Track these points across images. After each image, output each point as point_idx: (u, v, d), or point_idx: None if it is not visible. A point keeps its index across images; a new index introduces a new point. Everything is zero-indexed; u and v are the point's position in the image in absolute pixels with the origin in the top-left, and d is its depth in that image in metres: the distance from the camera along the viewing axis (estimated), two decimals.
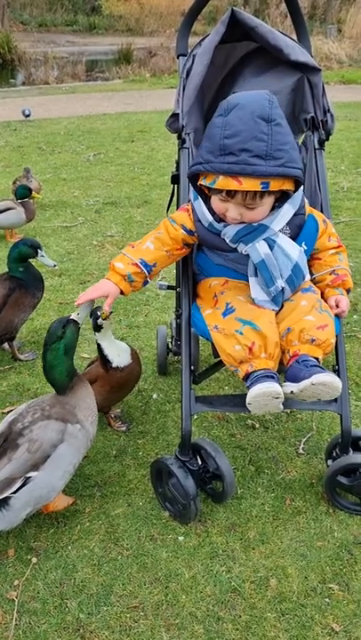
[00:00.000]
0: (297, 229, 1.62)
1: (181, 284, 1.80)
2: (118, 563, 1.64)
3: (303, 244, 1.62)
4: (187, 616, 1.49)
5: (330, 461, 1.83)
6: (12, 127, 7.52)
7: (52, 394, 1.73)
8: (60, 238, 3.99)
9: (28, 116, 7.64)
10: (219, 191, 1.49)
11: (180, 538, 1.71)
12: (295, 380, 1.47)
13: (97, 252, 3.75)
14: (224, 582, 1.58)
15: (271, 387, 1.44)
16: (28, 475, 1.56)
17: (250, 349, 1.50)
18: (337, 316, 1.66)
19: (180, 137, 1.88)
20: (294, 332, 1.53)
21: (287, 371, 1.53)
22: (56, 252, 3.74)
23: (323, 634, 1.45)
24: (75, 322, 1.69)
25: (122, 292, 1.67)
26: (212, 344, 1.64)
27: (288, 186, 1.47)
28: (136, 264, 1.66)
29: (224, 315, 1.58)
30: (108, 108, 8.79)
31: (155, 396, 2.36)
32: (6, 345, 2.61)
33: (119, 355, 1.94)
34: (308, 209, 1.66)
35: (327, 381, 1.43)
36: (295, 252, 1.57)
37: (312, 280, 1.72)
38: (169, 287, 2.14)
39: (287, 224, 1.58)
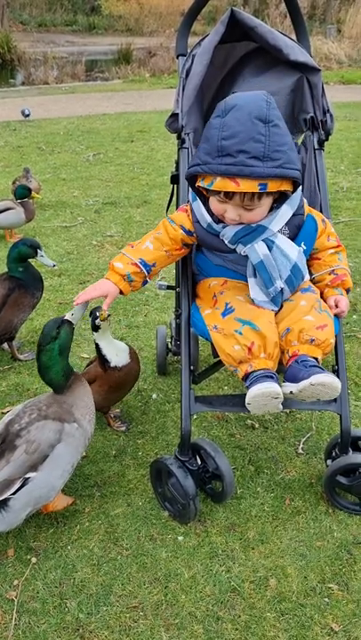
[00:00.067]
0: (296, 230, 1.62)
1: (181, 284, 1.80)
2: (118, 563, 1.64)
3: (302, 244, 1.62)
4: (186, 616, 1.49)
5: (329, 461, 1.83)
6: (12, 127, 7.52)
7: (49, 393, 1.73)
8: (60, 238, 3.99)
9: (28, 115, 7.64)
10: (217, 192, 1.49)
11: (180, 538, 1.71)
12: (294, 380, 1.47)
13: (96, 252, 3.75)
14: (223, 582, 1.58)
15: (270, 387, 1.44)
16: (26, 475, 1.56)
17: (249, 349, 1.50)
18: (336, 315, 1.66)
19: (179, 137, 1.88)
20: (294, 332, 1.53)
21: (286, 371, 1.53)
22: (55, 252, 3.74)
23: (322, 634, 1.45)
24: (69, 322, 1.68)
25: (121, 292, 1.67)
26: (212, 344, 1.64)
27: (286, 187, 1.47)
28: (135, 264, 1.66)
29: (223, 315, 1.58)
30: (108, 108, 8.80)
31: (154, 395, 2.36)
32: (6, 345, 2.61)
33: (117, 354, 1.94)
34: (307, 209, 1.66)
35: (326, 382, 1.43)
36: (294, 252, 1.57)
37: (311, 280, 1.72)
38: (168, 287, 2.15)
39: (286, 224, 1.58)
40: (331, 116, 1.86)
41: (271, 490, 1.88)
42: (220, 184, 1.44)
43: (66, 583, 1.58)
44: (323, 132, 1.88)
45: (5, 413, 2.12)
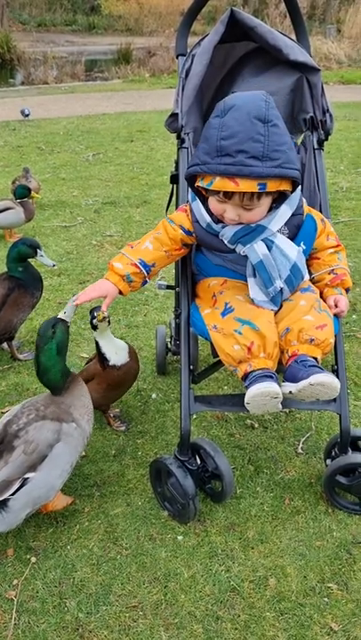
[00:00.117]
0: (295, 229, 1.62)
1: (180, 284, 1.80)
2: (117, 562, 1.64)
3: (302, 244, 1.62)
4: (186, 615, 1.49)
5: (329, 461, 1.83)
6: (12, 127, 7.51)
7: (47, 393, 1.73)
8: (60, 238, 3.99)
9: (28, 115, 7.64)
10: (216, 192, 1.49)
11: (179, 537, 1.71)
12: (294, 380, 1.47)
13: (96, 252, 3.75)
14: (223, 582, 1.58)
15: (270, 386, 1.44)
16: (25, 476, 1.56)
17: (249, 349, 1.50)
18: (336, 315, 1.66)
19: (179, 137, 1.88)
20: (293, 331, 1.53)
21: (286, 371, 1.53)
22: (55, 252, 3.74)
23: (321, 633, 1.45)
24: (63, 320, 1.68)
25: (120, 293, 1.67)
26: (211, 344, 1.64)
27: (285, 186, 1.47)
28: (135, 264, 1.66)
29: (223, 314, 1.58)
30: (108, 108, 8.79)
31: (154, 395, 2.36)
32: (5, 345, 2.61)
33: (117, 353, 1.94)
34: (306, 209, 1.66)
35: (326, 382, 1.43)
36: (293, 252, 1.57)
37: (311, 279, 1.72)
38: (168, 287, 2.15)
39: (285, 224, 1.58)
40: (330, 115, 1.86)
41: (271, 489, 1.88)
42: (220, 184, 1.44)
43: (65, 583, 1.58)
44: (322, 132, 1.88)
45: (5, 413, 2.12)
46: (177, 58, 2.00)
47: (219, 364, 1.81)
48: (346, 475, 1.75)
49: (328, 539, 1.70)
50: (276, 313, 1.59)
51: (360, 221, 4.21)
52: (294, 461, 2.00)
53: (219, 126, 1.42)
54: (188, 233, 1.67)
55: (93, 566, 1.63)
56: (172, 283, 2.17)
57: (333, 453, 1.82)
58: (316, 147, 1.88)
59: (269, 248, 1.54)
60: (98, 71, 13.52)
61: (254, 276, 1.58)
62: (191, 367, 1.73)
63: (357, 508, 1.78)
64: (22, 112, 7.63)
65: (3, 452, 1.58)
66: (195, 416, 2.20)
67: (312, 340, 1.52)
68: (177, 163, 1.93)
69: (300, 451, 2.05)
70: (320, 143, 1.89)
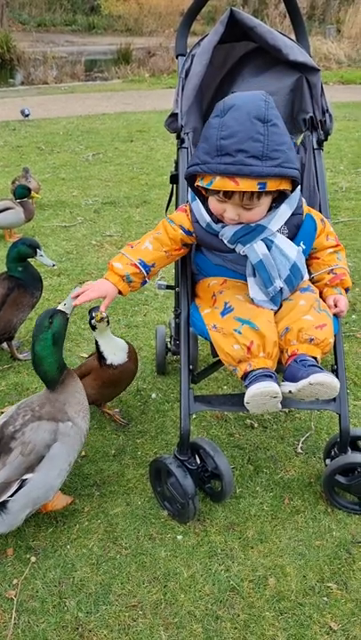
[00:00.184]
0: (295, 229, 1.62)
1: (180, 284, 1.80)
2: (117, 562, 1.64)
3: (301, 244, 1.63)
4: (185, 615, 1.50)
5: (328, 461, 1.83)
6: (11, 127, 7.51)
7: (41, 393, 1.71)
8: (59, 238, 3.99)
9: (28, 115, 7.64)
10: (216, 192, 1.49)
11: (179, 537, 1.71)
12: (293, 379, 1.47)
13: (96, 252, 3.75)
14: (223, 581, 1.58)
15: (269, 386, 1.45)
16: (23, 477, 1.56)
17: (248, 349, 1.50)
18: (335, 315, 1.66)
19: (178, 137, 1.88)
20: (293, 331, 1.53)
21: (286, 370, 1.53)
22: (55, 252, 3.74)
23: (321, 632, 1.45)
24: (62, 312, 1.67)
25: (120, 293, 1.67)
26: (211, 343, 1.64)
27: (285, 186, 1.47)
28: (135, 264, 1.66)
29: (223, 314, 1.58)
30: (107, 108, 8.80)
31: (153, 395, 2.36)
32: (5, 344, 2.61)
33: (115, 353, 1.94)
34: (306, 208, 1.66)
35: (325, 381, 1.43)
36: (293, 252, 1.57)
37: (311, 279, 1.72)
38: (168, 287, 2.15)
39: (285, 224, 1.58)
40: (330, 115, 1.86)
41: (270, 489, 1.88)
42: (220, 183, 1.44)
43: (65, 582, 1.58)
44: (322, 132, 1.88)
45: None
46: (177, 58, 2.00)
47: (218, 363, 1.81)
48: (345, 474, 1.75)
49: (328, 538, 1.70)
50: (275, 312, 1.60)
51: (360, 221, 4.22)
52: (294, 461, 2.01)
53: (219, 126, 1.42)
54: (187, 233, 1.67)
55: (93, 566, 1.63)
56: (172, 283, 2.17)
57: (333, 453, 1.82)
58: (315, 147, 1.88)
59: (269, 248, 1.54)
60: (98, 71, 13.52)
61: (254, 275, 1.58)
62: (191, 367, 1.73)
63: (357, 508, 1.78)
64: (22, 112, 7.63)
65: (0, 454, 1.58)
66: (194, 416, 2.20)
67: (312, 339, 1.52)
68: (177, 163, 1.94)
69: (299, 450, 2.05)
70: (320, 143, 1.89)
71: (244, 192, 1.44)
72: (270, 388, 1.45)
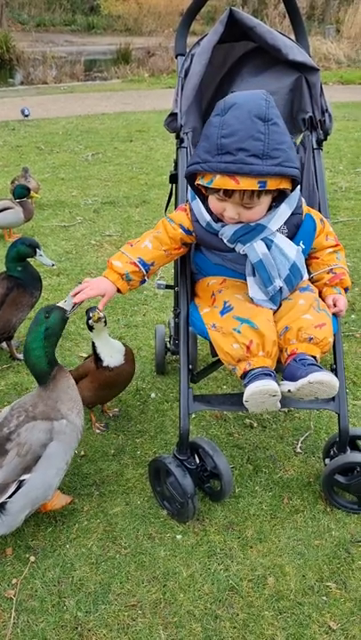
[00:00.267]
0: (294, 229, 1.63)
1: (180, 284, 1.80)
2: (116, 561, 1.64)
3: (301, 244, 1.63)
4: (184, 614, 1.50)
5: (327, 460, 1.83)
6: (11, 127, 7.51)
7: (33, 392, 1.71)
8: (59, 238, 3.99)
9: (27, 115, 7.64)
10: (216, 190, 1.49)
11: (178, 536, 1.71)
12: (293, 378, 1.47)
13: (95, 252, 3.75)
14: (222, 581, 1.58)
15: (268, 384, 1.45)
16: (21, 478, 1.56)
17: (248, 348, 1.51)
18: (335, 314, 1.66)
19: (178, 136, 1.88)
20: (292, 330, 1.53)
21: (285, 369, 1.53)
22: (54, 252, 3.74)
23: (320, 632, 1.45)
24: (60, 308, 1.66)
25: (119, 291, 1.68)
26: (210, 343, 1.64)
27: (285, 185, 1.47)
28: (134, 263, 1.66)
29: (222, 313, 1.59)
30: (107, 108, 8.80)
31: (153, 395, 2.36)
32: (4, 344, 2.61)
33: (112, 355, 1.93)
34: (305, 208, 1.66)
35: (324, 380, 1.43)
36: (293, 251, 1.57)
37: (310, 279, 1.72)
38: (167, 286, 2.15)
39: (285, 224, 1.58)
40: (329, 115, 1.86)
41: (269, 489, 1.88)
42: (220, 182, 1.44)
43: (64, 582, 1.58)
44: (321, 132, 1.88)
45: None
46: (176, 58, 2.00)
47: (218, 363, 1.81)
48: (344, 474, 1.75)
49: (327, 538, 1.71)
50: (275, 312, 1.60)
51: (359, 221, 4.22)
52: (293, 460, 2.01)
53: (219, 125, 1.42)
54: (187, 232, 1.67)
55: (92, 565, 1.63)
56: (172, 282, 2.17)
57: (332, 452, 1.82)
58: (315, 146, 1.88)
59: (269, 247, 1.54)
60: (97, 71, 13.52)
61: (254, 275, 1.58)
62: (190, 366, 1.73)
63: (356, 507, 1.78)
64: (22, 112, 7.63)
65: None
66: (194, 415, 2.20)
67: (311, 338, 1.52)
68: (176, 162, 1.94)
69: (298, 450, 2.05)
70: (319, 143, 1.89)
71: (244, 191, 1.44)
72: (269, 387, 1.45)
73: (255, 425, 2.19)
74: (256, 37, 1.89)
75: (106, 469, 1.97)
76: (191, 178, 1.56)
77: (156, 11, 19.89)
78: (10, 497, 1.54)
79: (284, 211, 1.55)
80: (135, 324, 2.88)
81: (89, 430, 2.15)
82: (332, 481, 1.76)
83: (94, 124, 7.64)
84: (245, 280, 1.61)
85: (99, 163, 5.86)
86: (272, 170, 1.40)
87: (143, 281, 1.70)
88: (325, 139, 1.90)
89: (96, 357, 1.94)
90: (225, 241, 1.59)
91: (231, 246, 1.59)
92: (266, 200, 1.50)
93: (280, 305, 1.60)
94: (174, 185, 1.97)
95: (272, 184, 1.43)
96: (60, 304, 1.67)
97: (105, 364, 1.93)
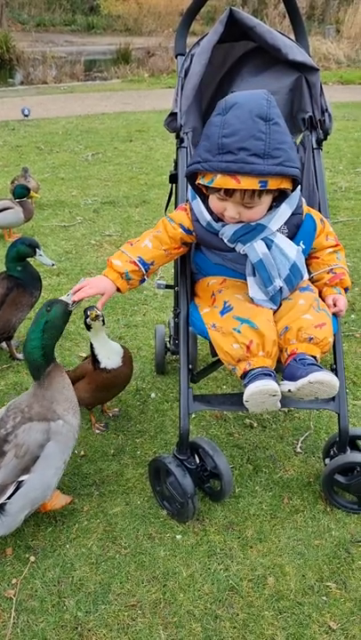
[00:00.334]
0: (295, 229, 1.63)
1: (179, 283, 1.80)
2: (116, 561, 1.64)
3: (301, 244, 1.63)
4: (184, 614, 1.50)
5: (327, 460, 1.83)
6: (11, 127, 7.51)
7: (28, 391, 1.70)
8: (59, 238, 3.99)
9: (27, 115, 7.63)
10: (217, 190, 1.49)
11: (178, 536, 1.71)
12: (293, 378, 1.47)
13: (95, 252, 3.75)
14: (222, 581, 1.58)
15: (268, 384, 1.45)
16: (19, 479, 1.56)
17: (248, 348, 1.50)
18: (335, 314, 1.66)
19: (178, 136, 1.88)
20: (292, 330, 1.53)
21: (285, 369, 1.53)
22: (54, 252, 3.74)
23: (320, 632, 1.45)
24: (63, 302, 1.65)
25: (118, 290, 1.67)
26: (210, 343, 1.64)
27: (286, 185, 1.47)
28: (134, 262, 1.66)
29: (222, 313, 1.58)
30: (107, 108, 8.80)
31: (153, 395, 2.36)
32: (4, 344, 2.61)
33: (109, 357, 1.92)
34: (305, 208, 1.66)
35: (325, 380, 1.43)
36: (293, 251, 1.57)
37: (310, 279, 1.72)
38: (167, 286, 2.15)
39: (285, 224, 1.58)
40: (329, 115, 1.86)
41: (269, 489, 1.88)
42: (221, 181, 1.44)
43: (64, 582, 1.58)
44: (321, 132, 1.88)
45: None
46: (176, 57, 2.00)
47: (218, 363, 1.81)
48: (344, 474, 1.75)
49: (327, 538, 1.70)
50: (275, 312, 1.60)
51: (359, 221, 4.22)
52: (293, 460, 2.01)
53: (220, 124, 1.42)
54: (187, 232, 1.67)
55: (92, 565, 1.63)
56: (172, 282, 2.17)
57: (332, 452, 1.82)
58: (314, 146, 1.88)
59: (269, 247, 1.54)
60: (97, 71, 13.52)
61: (254, 275, 1.58)
62: (190, 366, 1.73)
63: (356, 507, 1.78)
64: (22, 111, 7.63)
65: None
66: (194, 415, 2.20)
67: (311, 338, 1.52)
68: (176, 162, 1.93)
69: (298, 450, 2.05)
70: (319, 143, 1.89)
71: (245, 190, 1.44)
72: (269, 387, 1.45)
73: (255, 425, 2.19)
74: (256, 37, 1.89)
75: (106, 469, 1.97)
76: (192, 177, 1.56)
77: (155, 11, 19.88)
78: (9, 498, 1.54)
79: (285, 211, 1.55)
80: (135, 323, 2.88)
81: (89, 430, 2.15)
82: (332, 481, 1.76)
83: (94, 124, 7.64)
84: (245, 280, 1.61)
85: (99, 163, 5.86)
86: (273, 169, 1.40)
87: (143, 280, 1.70)
88: (325, 138, 1.90)
89: (93, 358, 1.94)
90: (225, 241, 1.59)
91: (231, 246, 1.59)
92: (267, 200, 1.50)
93: (280, 305, 1.60)
94: (174, 185, 1.97)
95: (273, 184, 1.43)
96: (63, 298, 1.66)
97: (102, 365, 1.92)
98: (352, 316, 2.93)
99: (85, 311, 1.84)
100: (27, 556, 1.65)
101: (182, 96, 1.85)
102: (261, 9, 16.15)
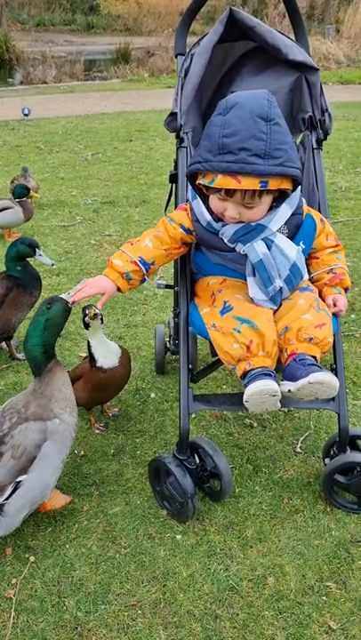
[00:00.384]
0: (295, 229, 1.63)
1: (179, 283, 1.80)
2: (116, 561, 1.64)
3: (301, 244, 1.63)
4: (184, 614, 1.50)
5: (327, 460, 1.83)
6: (10, 126, 7.51)
7: (26, 390, 1.70)
8: (58, 237, 3.99)
9: (27, 115, 7.63)
10: (217, 190, 1.49)
11: (178, 536, 1.71)
12: (293, 378, 1.47)
13: (95, 252, 3.75)
14: (222, 581, 1.58)
15: (268, 384, 1.45)
16: (17, 480, 1.55)
17: (248, 347, 1.50)
18: (335, 314, 1.66)
19: (178, 136, 1.88)
20: (292, 330, 1.53)
21: (285, 369, 1.53)
22: (54, 252, 3.74)
23: (320, 632, 1.45)
24: (63, 300, 1.65)
25: (119, 290, 1.67)
26: (210, 343, 1.64)
27: (286, 185, 1.47)
28: (135, 262, 1.66)
29: (222, 313, 1.58)
30: (107, 108, 8.79)
31: (153, 395, 2.36)
32: (4, 344, 2.61)
33: (106, 357, 1.92)
34: (305, 208, 1.66)
35: (325, 380, 1.43)
36: (293, 251, 1.57)
37: (310, 279, 1.72)
38: (167, 286, 2.15)
39: (285, 224, 1.58)
40: (329, 115, 1.86)
41: (269, 488, 1.88)
42: (222, 181, 1.44)
43: (64, 582, 1.58)
44: (321, 132, 1.88)
45: None
46: (176, 57, 2.00)
47: (218, 362, 1.81)
48: (344, 474, 1.75)
49: (327, 537, 1.70)
50: (275, 312, 1.60)
51: (358, 221, 4.22)
52: (293, 460, 2.01)
53: (221, 124, 1.42)
54: (188, 231, 1.67)
55: (92, 565, 1.63)
56: (171, 282, 2.17)
57: (332, 452, 1.82)
58: (314, 146, 1.88)
59: (269, 247, 1.54)
60: (97, 71, 13.51)
61: (254, 275, 1.58)
62: (190, 366, 1.73)
63: (356, 507, 1.78)
64: (22, 111, 7.62)
65: None
66: (194, 415, 2.20)
67: (311, 338, 1.52)
68: (176, 162, 1.93)
69: (298, 450, 2.05)
70: (319, 143, 1.89)
71: (245, 190, 1.44)
72: (269, 387, 1.45)
73: (255, 425, 2.19)
74: (256, 37, 1.89)
75: (106, 469, 1.97)
76: (192, 177, 1.56)
77: (155, 10, 19.87)
78: (7, 499, 1.54)
79: (285, 211, 1.55)
80: (135, 323, 2.88)
81: (89, 430, 2.15)
82: (332, 481, 1.76)
83: (94, 124, 7.64)
84: (245, 280, 1.61)
85: (98, 162, 5.86)
86: (274, 170, 1.40)
87: (143, 280, 1.70)
88: (325, 138, 1.90)
89: (90, 357, 1.94)
90: (225, 241, 1.59)
91: (231, 246, 1.59)
92: (267, 200, 1.50)
93: (280, 305, 1.60)
94: (174, 184, 1.96)
95: (273, 184, 1.43)
96: (63, 296, 1.66)
97: (98, 364, 1.92)
98: (352, 315, 2.93)
99: (84, 310, 1.84)
100: (26, 556, 1.65)
101: (182, 96, 1.85)
102: (261, 9, 16.15)
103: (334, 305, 1.66)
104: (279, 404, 1.51)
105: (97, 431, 2.14)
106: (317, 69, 1.87)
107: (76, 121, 7.84)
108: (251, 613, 1.50)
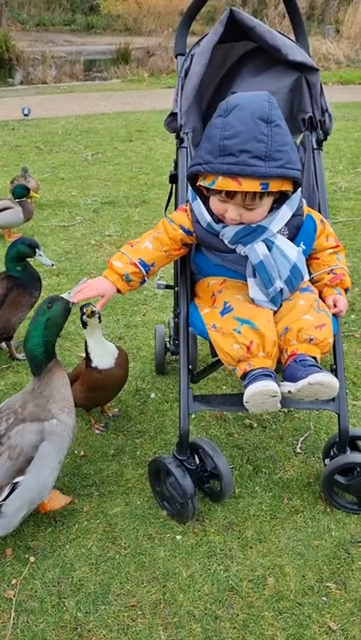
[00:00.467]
0: (295, 230, 1.63)
1: (180, 284, 1.80)
2: (116, 562, 1.64)
3: (301, 244, 1.63)
4: (184, 615, 1.50)
5: (327, 460, 1.83)
6: (10, 126, 7.50)
7: (24, 390, 1.70)
8: (58, 238, 3.99)
9: (27, 115, 7.63)
10: (218, 192, 1.49)
11: (178, 537, 1.71)
12: (293, 379, 1.47)
13: (95, 252, 3.75)
14: (222, 581, 1.58)
15: (268, 385, 1.45)
16: (15, 480, 1.55)
17: (248, 348, 1.50)
18: (335, 315, 1.66)
19: (178, 136, 1.88)
20: (292, 331, 1.53)
21: (285, 370, 1.53)
22: (54, 252, 3.74)
23: (320, 632, 1.45)
24: (64, 299, 1.65)
25: (118, 291, 1.67)
26: (210, 343, 1.64)
27: (287, 187, 1.47)
28: (134, 263, 1.66)
29: (222, 314, 1.58)
30: (107, 108, 8.79)
31: (153, 395, 2.36)
32: (4, 344, 2.61)
33: (102, 357, 1.91)
34: (306, 209, 1.66)
35: (325, 381, 1.43)
36: (293, 252, 1.57)
37: (310, 280, 1.72)
38: (167, 286, 2.14)
39: (285, 225, 1.58)
40: (329, 115, 1.86)
41: (269, 489, 1.88)
42: (222, 183, 1.44)
43: (64, 582, 1.58)
44: (321, 132, 1.88)
45: None
46: (176, 57, 2.00)
47: (218, 363, 1.81)
48: (344, 474, 1.75)
49: (327, 538, 1.71)
50: (275, 312, 1.60)
51: (358, 221, 4.22)
52: (293, 461, 2.01)
53: (222, 126, 1.42)
54: (188, 233, 1.67)
55: (92, 566, 1.63)
56: (172, 282, 2.16)
57: (332, 453, 1.82)
58: (314, 146, 1.88)
59: (270, 249, 1.54)
60: (97, 71, 13.51)
61: (254, 276, 1.58)
62: (190, 367, 1.73)
63: (356, 508, 1.78)
64: (22, 111, 7.62)
65: None
66: (193, 416, 2.20)
67: (311, 339, 1.52)
68: (176, 162, 1.93)
69: (298, 450, 2.05)
70: (319, 143, 1.89)
71: (246, 192, 1.44)
72: (269, 387, 1.45)
73: (255, 425, 2.19)
74: (256, 37, 1.89)
75: (105, 470, 1.97)
76: (193, 179, 1.56)
77: (155, 11, 19.86)
78: (4, 500, 1.54)
79: (286, 212, 1.55)
80: (135, 323, 2.88)
81: (88, 430, 2.15)
82: (332, 481, 1.76)
83: (94, 124, 7.64)
84: (246, 281, 1.61)
85: (98, 162, 5.86)
86: (275, 172, 1.40)
87: (143, 281, 1.70)
88: (325, 139, 1.90)
89: (87, 357, 1.93)
90: (226, 242, 1.59)
91: (232, 247, 1.59)
92: (268, 201, 1.50)
93: (280, 305, 1.60)
94: (174, 185, 1.96)
95: (274, 186, 1.44)
96: (64, 295, 1.66)
97: (93, 364, 1.91)
98: (352, 316, 2.93)
99: (82, 308, 1.84)
100: (26, 556, 1.65)
101: (182, 96, 1.85)
102: (261, 9, 16.15)
103: (334, 305, 1.66)
104: (279, 405, 1.51)
105: (97, 431, 2.14)
106: (317, 70, 1.87)
107: (76, 121, 7.84)
108: (251, 614, 1.50)
